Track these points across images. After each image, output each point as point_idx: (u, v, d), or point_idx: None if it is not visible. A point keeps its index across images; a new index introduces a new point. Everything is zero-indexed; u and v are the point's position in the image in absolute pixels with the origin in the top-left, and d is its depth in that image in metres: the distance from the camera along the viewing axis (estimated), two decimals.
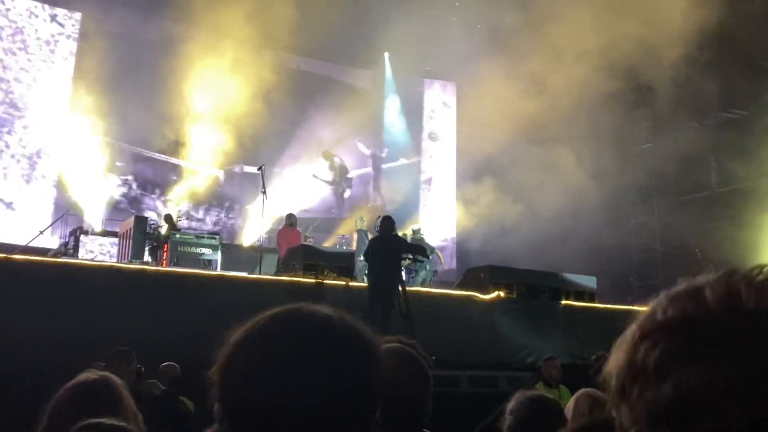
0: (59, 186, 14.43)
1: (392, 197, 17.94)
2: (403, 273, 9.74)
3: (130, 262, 10.64)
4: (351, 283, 10.01)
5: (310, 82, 17.32)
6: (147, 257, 11.54)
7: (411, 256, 10.16)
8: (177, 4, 14.43)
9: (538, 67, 14.90)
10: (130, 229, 11.52)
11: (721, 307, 0.58)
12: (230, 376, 0.92)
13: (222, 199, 16.54)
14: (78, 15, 15.29)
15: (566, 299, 11.42)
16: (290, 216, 12.49)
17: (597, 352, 6.68)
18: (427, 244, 13.33)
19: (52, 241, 12.75)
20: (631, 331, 0.63)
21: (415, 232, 14.00)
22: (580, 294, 11.62)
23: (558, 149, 15.30)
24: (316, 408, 0.88)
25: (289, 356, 0.91)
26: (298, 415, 0.88)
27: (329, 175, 17.46)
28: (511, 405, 2.51)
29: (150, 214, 13.92)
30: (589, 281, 12.16)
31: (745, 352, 0.55)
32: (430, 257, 12.59)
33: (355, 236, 13.38)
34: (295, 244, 11.46)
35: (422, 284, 12.12)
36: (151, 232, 12.12)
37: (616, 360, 0.63)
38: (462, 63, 16.95)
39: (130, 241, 11.38)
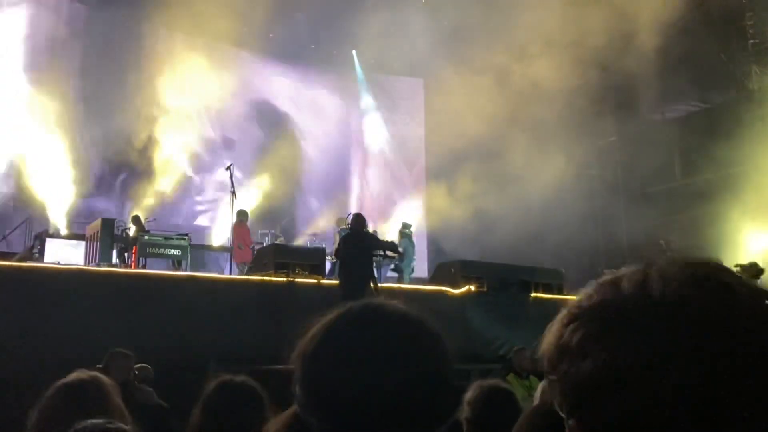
0: (19, 188, 14.15)
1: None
2: (374, 269, 9.78)
3: (98, 265, 10.53)
4: (322, 281, 10.04)
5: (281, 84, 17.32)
6: (115, 260, 11.43)
7: (382, 253, 10.21)
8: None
9: (503, 61, 15.05)
10: (98, 231, 11.36)
11: (633, 294, 0.65)
12: (313, 363, 0.99)
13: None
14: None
15: (535, 291, 11.60)
16: (241, 212, 12.36)
17: None
18: (412, 242, 13.42)
19: (16, 244, 12.55)
20: (561, 315, 0.70)
21: (405, 227, 13.99)
22: (549, 286, 11.81)
23: (524, 144, 15.48)
24: (394, 395, 0.94)
25: (368, 345, 0.98)
26: (376, 401, 0.94)
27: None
28: (468, 395, 2.60)
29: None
30: (557, 273, 12.36)
31: (646, 337, 0.61)
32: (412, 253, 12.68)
33: (337, 238, 13.35)
34: (245, 240, 11.50)
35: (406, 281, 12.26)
36: (119, 233, 11.99)
37: (547, 340, 0.71)
38: (429, 59, 17.05)
39: (98, 243, 11.24)
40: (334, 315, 1.04)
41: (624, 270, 0.69)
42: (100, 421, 1.61)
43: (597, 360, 0.63)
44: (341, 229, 13.17)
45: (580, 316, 0.67)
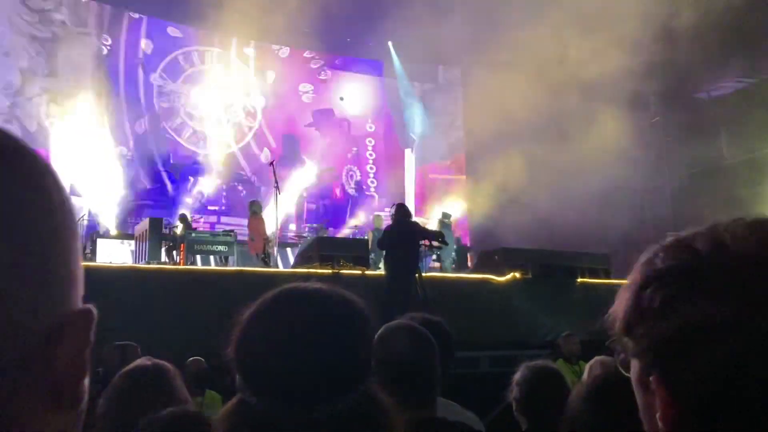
0: (71, 189, 14.58)
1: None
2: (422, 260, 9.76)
3: (148, 263, 10.78)
4: (367, 272, 10.10)
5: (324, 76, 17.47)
6: (164, 258, 11.69)
7: (428, 243, 10.12)
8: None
9: (543, 43, 14.85)
10: (146, 230, 11.65)
11: (710, 253, 0.68)
12: (243, 349, 1.07)
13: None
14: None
15: (581, 277, 11.46)
16: (253, 203, 12.51)
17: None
18: (451, 231, 13.40)
19: None
20: (632, 278, 0.73)
21: (445, 216, 13.97)
22: (595, 271, 11.66)
23: (566, 128, 15.27)
24: (319, 368, 1.03)
25: (289, 325, 1.06)
26: (303, 374, 1.02)
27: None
28: (516, 376, 2.67)
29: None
30: (603, 258, 12.19)
31: (735, 289, 0.65)
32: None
33: (370, 235, 13.39)
34: (259, 231, 11.65)
35: (448, 270, 12.23)
36: (167, 232, 12.25)
37: (621, 303, 0.74)
38: (467, 46, 16.93)
39: (146, 242, 11.52)
40: (257, 302, 1.11)
41: (688, 232, 0.72)
42: (178, 408, 1.67)
43: (685, 317, 0.66)
44: (375, 229, 13.14)
45: (657, 278, 0.70)
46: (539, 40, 14.88)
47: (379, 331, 1.78)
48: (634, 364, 0.73)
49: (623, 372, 0.75)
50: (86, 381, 0.54)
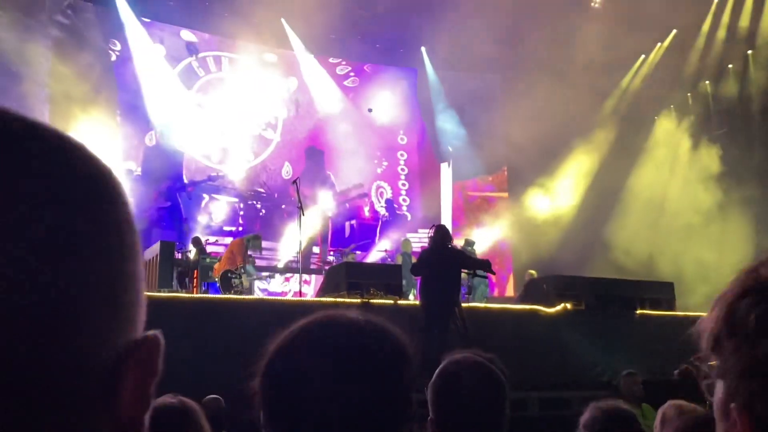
0: None
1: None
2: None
3: (159, 291, 10.92)
4: (400, 302, 10.11)
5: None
6: (175, 285, 11.82)
7: (469, 271, 10.01)
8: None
9: (588, 52, 14.83)
10: (156, 255, 11.78)
11: None
12: (269, 384, 1.07)
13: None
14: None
15: (641, 308, 11.34)
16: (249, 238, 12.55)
17: (680, 366, 6.67)
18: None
19: None
20: (730, 287, 0.70)
21: (469, 243, 13.98)
22: (657, 302, 11.52)
23: (624, 138, 15.20)
24: (353, 410, 1.02)
25: (322, 361, 1.05)
26: (336, 417, 1.01)
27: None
28: (584, 417, 2.62)
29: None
30: (667, 287, 12.04)
31: None
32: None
33: (399, 259, 13.41)
34: (240, 252, 11.69)
35: (480, 300, 12.18)
36: (180, 257, 12.39)
37: (712, 316, 0.71)
38: (507, 54, 17.01)
39: (157, 268, 11.65)
40: (287, 332, 1.11)
41: None
42: None
43: None
44: (404, 253, 13.17)
45: (758, 290, 0.67)
46: (584, 47, 14.89)
47: (442, 366, 1.76)
48: (719, 388, 0.70)
49: (708, 396, 0.71)
50: (147, 416, 0.54)
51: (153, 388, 0.54)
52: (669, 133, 16.46)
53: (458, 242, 14.64)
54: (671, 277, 12.82)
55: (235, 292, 10.95)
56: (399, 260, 13.41)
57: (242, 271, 11.45)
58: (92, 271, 0.49)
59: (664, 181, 15.61)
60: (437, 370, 1.72)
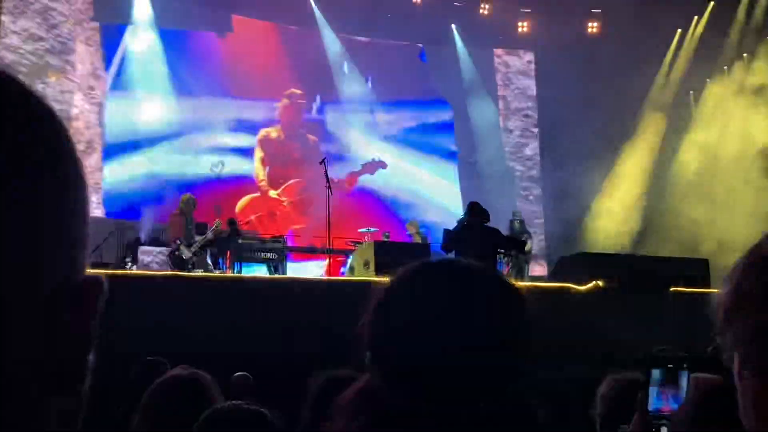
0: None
1: None
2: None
3: (191, 270, 10.98)
4: None
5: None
6: (209, 265, 11.87)
7: (504, 251, 9.84)
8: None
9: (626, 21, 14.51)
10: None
11: None
12: (379, 325, 1.04)
13: None
14: None
15: (675, 286, 11.15)
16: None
17: (713, 343, 6.51)
18: (526, 230, 13.21)
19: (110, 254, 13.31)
20: (737, 264, 0.72)
21: (515, 214, 13.69)
22: (691, 279, 11.31)
23: (653, 119, 14.91)
24: (467, 361, 0.97)
25: (433, 304, 1.02)
26: (445, 361, 0.97)
27: None
28: (601, 389, 2.57)
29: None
30: (701, 264, 11.83)
31: None
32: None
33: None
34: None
35: (518, 274, 12.07)
36: (211, 237, 12.43)
37: (723, 291, 0.73)
38: (538, 28, 16.75)
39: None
40: (397, 273, 1.08)
41: None
42: (238, 402, 1.74)
43: None
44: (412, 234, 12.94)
45: (761, 264, 0.69)
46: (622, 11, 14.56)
47: None
48: (735, 359, 0.71)
49: (729, 367, 0.74)
50: (90, 357, 0.52)
51: (94, 328, 0.52)
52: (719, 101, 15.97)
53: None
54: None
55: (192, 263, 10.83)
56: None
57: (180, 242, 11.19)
58: (27, 206, 0.48)
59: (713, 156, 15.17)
60: None
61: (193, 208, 11.74)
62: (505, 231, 13.16)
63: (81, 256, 0.53)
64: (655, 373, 1.36)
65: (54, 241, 0.49)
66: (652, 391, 1.36)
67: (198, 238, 11.29)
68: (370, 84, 17.56)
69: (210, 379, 2.14)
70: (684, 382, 1.35)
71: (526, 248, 11.89)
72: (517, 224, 13.52)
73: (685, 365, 1.36)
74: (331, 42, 17.07)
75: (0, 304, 0.46)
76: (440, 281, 1.04)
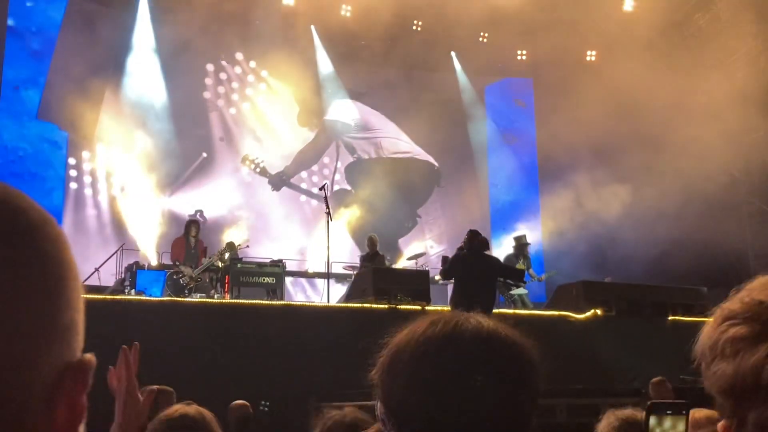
0: (114, 218, 15.03)
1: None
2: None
3: (190, 296, 10.96)
4: (428, 308, 10.03)
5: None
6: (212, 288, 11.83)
7: (502, 280, 9.80)
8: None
9: (623, 49, 14.62)
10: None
11: None
12: (394, 379, 1.05)
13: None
14: None
15: (673, 314, 11.12)
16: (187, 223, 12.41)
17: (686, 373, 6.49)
18: (527, 256, 13.15)
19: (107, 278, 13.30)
20: (718, 311, 0.74)
21: (520, 243, 13.38)
22: (689, 307, 11.29)
23: (653, 143, 14.94)
24: (478, 418, 1.00)
25: (451, 365, 1.03)
26: (460, 423, 1.00)
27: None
28: (601, 425, 2.56)
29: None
30: (699, 293, 11.81)
31: None
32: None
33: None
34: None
35: (519, 302, 12.03)
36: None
37: (701, 337, 0.74)
38: (538, 56, 16.87)
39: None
40: (415, 330, 1.08)
41: None
42: None
43: (740, 362, 0.66)
44: (363, 255, 12.74)
45: (734, 315, 0.70)
46: (619, 44, 14.68)
47: None
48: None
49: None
50: (82, 427, 0.60)
51: (84, 402, 0.60)
52: None
53: (507, 241, 14.55)
54: None
55: (189, 288, 10.85)
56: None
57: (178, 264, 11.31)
58: (33, 302, 0.56)
59: None
60: None
61: (197, 231, 11.95)
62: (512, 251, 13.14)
63: (73, 341, 0.60)
64: (653, 420, 1.35)
65: (43, 335, 0.57)
66: None
67: (204, 260, 11.41)
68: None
69: (212, 417, 2.14)
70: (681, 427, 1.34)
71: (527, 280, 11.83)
72: (524, 243, 13.39)
73: (683, 412, 1.36)
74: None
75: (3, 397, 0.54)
76: (470, 354, 1.04)
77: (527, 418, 1.04)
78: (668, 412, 1.36)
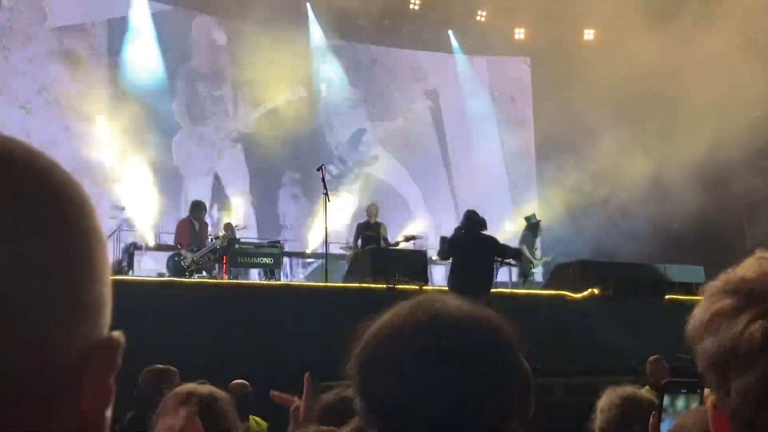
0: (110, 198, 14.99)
1: None
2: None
3: (189, 276, 10.96)
4: (426, 287, 10.05)
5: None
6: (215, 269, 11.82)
7: (500, 259, 9.78)
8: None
9: (623, 26, 14.56)
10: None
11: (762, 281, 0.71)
12: (370, 372, 1.03)
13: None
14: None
15: (670, 293, 11.18)
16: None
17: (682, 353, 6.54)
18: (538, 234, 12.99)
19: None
20: (706, 290, 0.78)
21: (528, 219, 13.15)
22: (687, 286, 11.35)
23: (653, 119, 14.92)
24: (456, 408, 0.98)
25: (427, 354, 1.00)
26: (440, 414, 0.98)
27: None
28: (601, 402, 2.58)
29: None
30: (696, 272, 11.86)
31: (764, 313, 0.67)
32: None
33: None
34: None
35: (526, 280, 12.06)
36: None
37: (692, 319, 0.77)
38: (536, 34, 16.80)
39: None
40: (388, 318, 1.06)
41: None
42: None
43: (722, 336, 0.69)
44: (359, 224, 12.44)
45: (720, 291, 0.73)
46: (619, 20, 14.59)
47: None
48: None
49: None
50: (109, 411, 0.56)
51: (113, 385, 0.57)
52: None
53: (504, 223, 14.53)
54: None
55: (190, 271, 10.72)
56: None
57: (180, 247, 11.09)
58: (57, 275, 0.53)
59: None
60: None
61: (203, 214, 11.86)
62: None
63: (100, 318, 0.57)
64: (667, 399, 1.37)
65: (73, 310, 0.54)
66: (665, 417, 1.36)
67: (208, 242, 11.38)
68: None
69: (228, 398, 2.12)
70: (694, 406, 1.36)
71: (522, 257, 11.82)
72: (534, 222, 13.05)
73: (698, 390, 1.37)
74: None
75: (30, 374, 0.51)
76: (434, 329, 1.01)
77: (508, 402, 1.02)
78: (683, 391, 1.37)
